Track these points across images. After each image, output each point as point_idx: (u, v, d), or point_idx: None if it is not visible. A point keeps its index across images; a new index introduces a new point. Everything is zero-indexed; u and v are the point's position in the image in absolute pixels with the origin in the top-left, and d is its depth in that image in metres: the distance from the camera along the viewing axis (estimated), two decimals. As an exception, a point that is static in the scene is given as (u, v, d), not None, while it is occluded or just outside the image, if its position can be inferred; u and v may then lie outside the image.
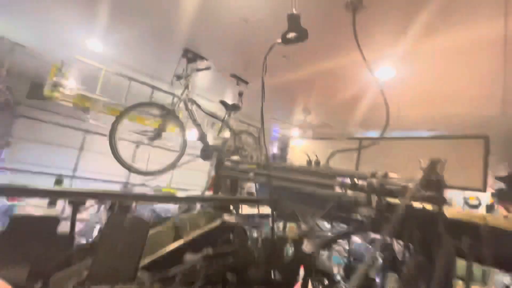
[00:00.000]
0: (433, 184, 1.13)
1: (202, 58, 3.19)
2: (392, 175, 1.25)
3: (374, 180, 1.21)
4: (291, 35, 1.17)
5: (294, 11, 1.19)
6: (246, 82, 3.74)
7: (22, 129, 6.82)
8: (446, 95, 3.13)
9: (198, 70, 2.99)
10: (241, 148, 3.55)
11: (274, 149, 9.83)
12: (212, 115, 3.43)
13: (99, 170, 7.61)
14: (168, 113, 2.90)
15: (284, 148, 8.79)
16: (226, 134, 3.74)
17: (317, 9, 2.05)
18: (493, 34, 2.01)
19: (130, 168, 2.63)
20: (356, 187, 1.38)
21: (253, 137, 3.97)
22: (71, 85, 4.44)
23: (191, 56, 3.12)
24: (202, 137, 3.16)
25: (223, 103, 3.43)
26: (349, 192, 1.41)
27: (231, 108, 3.48)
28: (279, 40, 1.27)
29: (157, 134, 2.87)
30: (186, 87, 3.06)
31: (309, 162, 1.94)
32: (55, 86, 4.24)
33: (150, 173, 2.77)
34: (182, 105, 3.09)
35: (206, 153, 2.96)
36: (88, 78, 4.31)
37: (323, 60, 2.79)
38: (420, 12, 1.88)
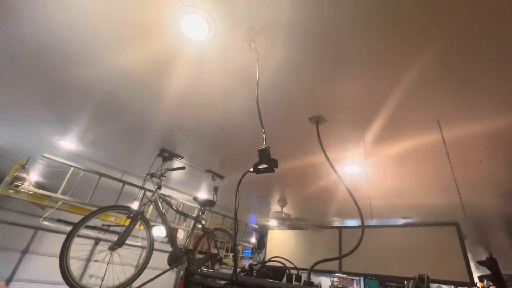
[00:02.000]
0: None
1: (178, 156, 3.24)
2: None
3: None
4: (262, 166, 1.23)
5: (264, 145, 1.29)
6: (222, 177, 3.76)
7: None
8: (411, 188, 3.34)
9: (173, 169, 2.98)
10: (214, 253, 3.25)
11: (252, 240, 9.21)
12: (184, 214, 3.25)
13: (42, 273, 6.35)
14: (136, 216, 2.69)
15: (261, 239, 8.26)
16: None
17: (283, 122, 2.31)
18: (434, 139, 2.33)
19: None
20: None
21: (228, 236, 3.72)
22: (30, 182, 4.14)
23: (167, 155, 3.17)
24: (171, 240, 2.88)
25: (196, 199, 3.32)
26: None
27: (205, 204, 3.36)
28: (251, 169, 1.33)
29: (121, 241, 2.56)
30: (159, 186, 2.97)
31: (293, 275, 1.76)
32: (12, 183, 3.91)
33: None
34: (153, 205, 2.92)
35: (174, 258, 2.63)
36: (56, 174, 4.08)
37: (293, 160, 2.97)
38: (371, 126, 2.19)
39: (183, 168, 3.00)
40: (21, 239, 6.44)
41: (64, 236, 2.23)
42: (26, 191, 4.02)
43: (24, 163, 4.08)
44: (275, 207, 5.15)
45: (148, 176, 2.97)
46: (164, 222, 2.91)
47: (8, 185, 3.93)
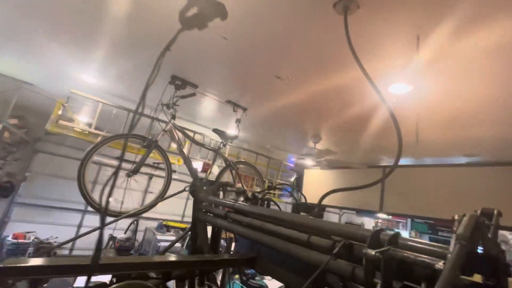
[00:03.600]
0: (486, 259, 0.62)
1: (191, 84, 2.94)
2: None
3: (378, 254, 0.70)
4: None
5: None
6: (244, 108, 3.40)
7: (38, 164, 7.00)
8: (482, 113, 2.52)
9: (183, 97, 2.72)
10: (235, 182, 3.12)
11: (291, 179, 9.23)
12: (201, 145, 3.08)
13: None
14: (150, 144, 2.60)
15: (300, 178, 8.16)
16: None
17: (307, 17, 1.69)
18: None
19: (100, 209, 2.27)
20: (351, 255, 0.87)
21: (253, 169, 3.53)
22: (76, 119, 4.46)
23: (179, 83, 2.88)
24: (190, 170, 2.78)
25: (217, 131, 3.09)
26: (341, 262, 0.90)
27: (227, 137, 3.12)
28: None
29: (136, 168, 2.54)
30: (172, 116, 2.78)
31: (299, 205, 1.44)
32: (57, 121, 4.24)
33: (126, 214, 2.39)
34: (168, 134, 2.79)
35: (194, 188, 2.56)
36: (86, 111, 4.28)
37: (321, 78, 2.37)
38: (439, 10, 1.44)
39: (193, 94, 2.71)
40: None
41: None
42: (71, 127, 4.37)
43: (64, 102, 4.32)
44: (310, 145, 4.73)
45: (162, 106, 2.78)
46: (181, 152, 2.80)
47: (55, 123, 4.29)
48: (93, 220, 7.55)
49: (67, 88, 4.15)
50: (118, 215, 2.27)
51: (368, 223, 12.45)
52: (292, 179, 9.23)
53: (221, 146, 3.12)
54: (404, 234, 11.01)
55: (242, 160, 3.50)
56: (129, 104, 4.29)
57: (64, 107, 4.31)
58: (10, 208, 6.59)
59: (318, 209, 1.28)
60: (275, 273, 1.31)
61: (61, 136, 4.91)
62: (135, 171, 2.53)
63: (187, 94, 2.68)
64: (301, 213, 1.39)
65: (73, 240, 5.62)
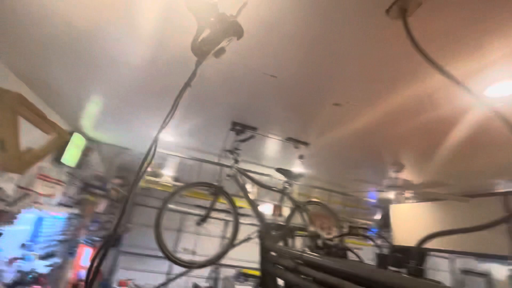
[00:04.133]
0: None
1: (250, 128, 3.00)
2: None
3: None
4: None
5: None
6: (306, 143, 3.23)
7: (136, 215, 8.10)
8: None
9: (243, 140, 2.76)
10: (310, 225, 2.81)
11: (376, 216, 7.99)
12: (266, 187, 2.97)
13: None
14: (216, 191, 2.64)
15: (385, 215, 6.97)
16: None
17: (358, 32, 1.54)
18: None
19: (173, 258, 2.31)
20: None
21: (325, 209, 3.17)
22: (161, 174, 5.10)
23: (239, 128, 2.98)
24: (257, 214, 2.67)
25: (280, 170, 2.97)
26: None
27: (291, 176, 2.96)
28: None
29: (205, 216, 2.58)
30: (235, 161, 2.82)
31: (387, 257, 1.09)
32: (150, 176, 4.93)
33: (197, 265, 2.36)
34: (232, 179, 2.81)
35: (260, 235, 2.40)
36: (168, 165, 4.84)
37: (394, 95, 2.05)
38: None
39: (252, 137, 2.73)
40: (174, 223, 8.18)
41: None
42: (157, 181, 4.98)
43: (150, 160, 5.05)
44: (391, 174, 4.06)
45: (226, 153, 2.87)
46: (246, 196, 2.74)
47: (145, 180, 4.99)
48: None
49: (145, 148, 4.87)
50: (189, 265, 2.26)
51: (498, 271, 9.29)
52: (377, 217, 7.98)
53: (287, 186, 2.95)
54: None
55: (313, 200, 3.19)
56: (201, 155, 4.67)
57: (152, 164, 5.01)
58: (117, 257, 7.61)
59: (416, 262, 0.94)
60: None
61: (149, 190, 5.64)
62: (204, 219, 2.56)
63: (246, 138, 2.71)
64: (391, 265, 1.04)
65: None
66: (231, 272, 7.96)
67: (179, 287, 7.66)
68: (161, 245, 2.28)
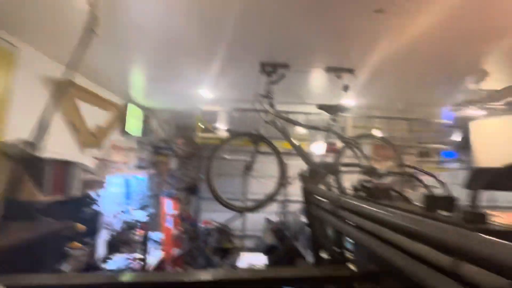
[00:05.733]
0: None
1: (282, 65, 2.70)
2: None
3: None
4: None
5: None
6: (350, 70, 2.77)
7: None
8: None
9: (273, 82, 2.52)
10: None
11: (455, 137, 6.93)
12: (311, 128, 2.78)
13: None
14: (256, 139, 2.61)
15: (465, 136, 5.94)
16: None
17: None
18: None
19: (225, 204, 2.51)
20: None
21: (381, 140, 2.85)
22: (213, 128, 5.35)
23: (270, 68, 2.72)
24: (302, 156, 2.58)
25: (322, 107, 2.71)
26: None
27: (335, 111, 2.69)
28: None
29: (249, 164, 2.62)
30: (270, 105, 2.67)
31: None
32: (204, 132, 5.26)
33: (248, 209, 2.52)
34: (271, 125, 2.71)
35: (301, 178, 2.34)
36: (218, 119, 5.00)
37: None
38: None
39: (283, 76, 2.45)
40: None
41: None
42: (211, 137, 5.28)
43: (201, 118, 5.28)
44: (471, 85, 3.26)
45: (260, 98, 2.72)
46: (289, 140, 2.63)
47: (199, 136, 5.34)
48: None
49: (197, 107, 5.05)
50: (240, 210, 2.41)
51: None
52: (458, 139, 6.89)
53: (332, 123, 2.69)
54: None
55: (365, 133, 2.87)
56: (243, 104, 4.60)
57: (202, 122, 5.26)
58: (199, 202, 8.93)
59: (472, 203, 0.72)
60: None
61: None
62: (250, 166, 2.61)
63: (277, 78, 2.47)
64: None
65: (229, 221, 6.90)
66: (298, 207, 8.52)
67: (253, 221, 8.70)
68: (214, 192, 2.47)
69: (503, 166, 0.90)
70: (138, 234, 4.32)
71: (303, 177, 1.86)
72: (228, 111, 4.75)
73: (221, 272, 1.04)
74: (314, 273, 1.09)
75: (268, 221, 8.38)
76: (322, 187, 2.03)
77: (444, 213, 0.79)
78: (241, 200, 8.24)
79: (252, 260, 4.66)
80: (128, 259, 3.77)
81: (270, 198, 2.60)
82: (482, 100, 3.10)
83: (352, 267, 1.15)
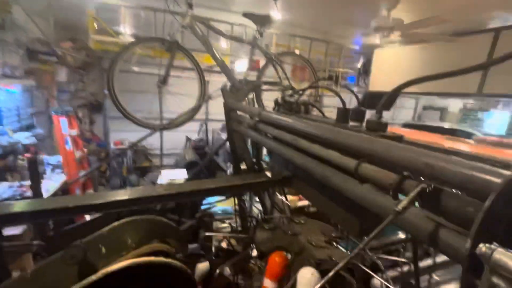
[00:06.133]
0: None
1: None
2: None
3: None
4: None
5: None
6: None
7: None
8: None
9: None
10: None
11: (358, 64, 7.87)
12: (234, 39, 2.53)
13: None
14: (170, 47, 2.22)
15: (368, 62, 6.81)
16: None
17: None
18: None
19: (139, 122, 2.24)
20: (436, 206, 0.44)
21: (302, 60, 2.89)
22: (112, 31, 4.22)
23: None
24: (224, 70, 2.40)
25: (248, 15, 2.43)
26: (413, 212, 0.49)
27: (261, 21, 2.46)
28: None
29: (164, 78, 2.29)
30: (189, 5, 2.20)
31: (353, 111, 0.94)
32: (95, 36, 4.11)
33: (165, 127, 2.33)
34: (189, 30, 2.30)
35: (223, 94, 2.24)
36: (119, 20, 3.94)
37: None
38: None
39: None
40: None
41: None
42: (112, 42, 4.22)
43: (93, 13, 4.03)
44: (383, 12, 3.48)
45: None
46: (209, 50, 2.35)
47: (94, 39, 4.17)
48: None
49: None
50: (156, 128, 2.22)
51: (454, 105, 10.52)
52: (359, 65, 7.84)
53: (257, 36, 2.49)
54: (506, 115, 9.01)
55: (288, 51, 2.83)
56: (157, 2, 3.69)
57: (96, 19, 4.06)
58: (107, 121, 7.86)
59: (378, 113, 0.79)
60: (315, 199, 1.02)
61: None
62: (165, 79, 2.29)
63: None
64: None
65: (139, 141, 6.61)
66: (218, 125, 8.68)
67: (173, 140, 8.55)
68: (122, 110, 2.13)
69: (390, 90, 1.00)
70: (24, 158, 3.59)
71: (225, 92, 1.75)
72: (133, 8, 3.77)
73: (140, 190, 0.97)
74: (234, 182, 1.13)
75: (188, 139, 8.39)
76: (244, 103, 2.01)
77: (354, 123, 0.87)
78: (158, 118, 7.72)
79: (173, 176, 4.73)
80: (14, 187, 3.20)
81: (190, 116, 2.45)
82: (388, 28, 3.39)
83: (269, 174, 1.26)
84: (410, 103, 11.07)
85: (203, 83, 2.42)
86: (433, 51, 3.98)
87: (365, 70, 6.94)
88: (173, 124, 2.32)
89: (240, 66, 4.74)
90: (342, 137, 0.71)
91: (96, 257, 0.83)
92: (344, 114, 0.90)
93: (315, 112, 1.36)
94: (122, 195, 1.04)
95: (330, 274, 0.49)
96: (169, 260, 0.77)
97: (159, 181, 4.63)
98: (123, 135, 7.60)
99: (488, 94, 3.33)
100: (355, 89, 7.36)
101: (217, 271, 1.16)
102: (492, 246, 0.29)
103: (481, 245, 0.30)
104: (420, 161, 0.51)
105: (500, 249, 0.29)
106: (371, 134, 0.76)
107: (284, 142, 1.06)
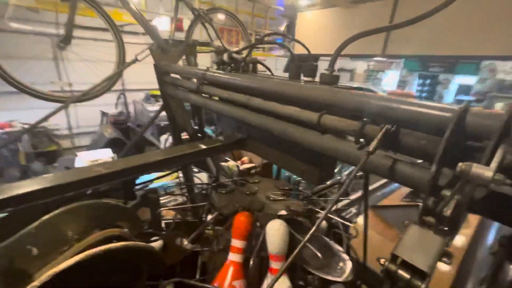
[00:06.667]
0: None
1: None
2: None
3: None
4: None
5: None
6: None
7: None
8: None
9: None
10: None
11: (282, 27, 8.00)
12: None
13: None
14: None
15: (291, 25, 6.99)
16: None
17: None
18: None
19: (29, 91, 1.76)
20: (396, 145, 0.51)
21: (232, 18, 2.72)
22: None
23: None
24: (146, 29, 2.06)
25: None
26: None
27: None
28: None
29: (66, 36, 1.83)
30: None
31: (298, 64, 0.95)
32: None
33: (74, 100, 1.91)
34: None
35: (152, 54, 1.95)
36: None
37: None
38: None
39: None
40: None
41: None
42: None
43: None
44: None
45: None
46: (125, 5, 1.94)
47: None
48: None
49: None
50: (62, 101, 1.80)
51: (361, 67, 12.14)
52: (283, 28, 7.98)
53: (181, -12, 2.19)
54: (396, 74, 10.98)
55: (217, 7, 2.60)
56: None
57: None
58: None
59: (330, 67, 0.82)
60: (273, 157, 1.04)
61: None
62: (67, 40, 1.82)
63: None
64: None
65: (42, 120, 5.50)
66: (140, 95, 7.72)
67: (84, 117, 7.28)
68: (9, 79, 1.62)
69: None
70: None
71: (155, 54, 1.51)
72: None
73: (71, 172, 0.75)
74: (186, 150, 1.03)
75: (104, 113, 7.26)
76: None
77: (306, 78, 0.88)
78: (61, 91, 6.29)
79: (96, 157, 4.09)
80: None
81: (109, 85, 2.06)
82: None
83: (220, 138, 1.20)
84: (325, 65, 12.20)
85: (121, 45, 2.04)
86: (358, 12, 4.30)
87: (289, 33, 7.13)
88: (90, 95, 1.91)
89: (161, 25, 4.18)
90: (306, 91, 0.72)
91: (27, 260, 0.66)
92: (297, 70, 0.90)
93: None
94: (49, 181, 0.83)
95: (319, 222, 0.52)
96: (128, 242, 0.68)
97: (76, 165, 3.95)
98: (9, 115, 6.02)
99: (390, 55, 3.90)
100: (281, 52, 7.57)
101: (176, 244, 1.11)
102: (470, 163, 0.35)
103: (460, 164, 0.36)
104: (383, 105, 0.56)
105: (476, 164, 0.34)
106: (324, 87, 0.79)
107: (236, 103, 1.01)
